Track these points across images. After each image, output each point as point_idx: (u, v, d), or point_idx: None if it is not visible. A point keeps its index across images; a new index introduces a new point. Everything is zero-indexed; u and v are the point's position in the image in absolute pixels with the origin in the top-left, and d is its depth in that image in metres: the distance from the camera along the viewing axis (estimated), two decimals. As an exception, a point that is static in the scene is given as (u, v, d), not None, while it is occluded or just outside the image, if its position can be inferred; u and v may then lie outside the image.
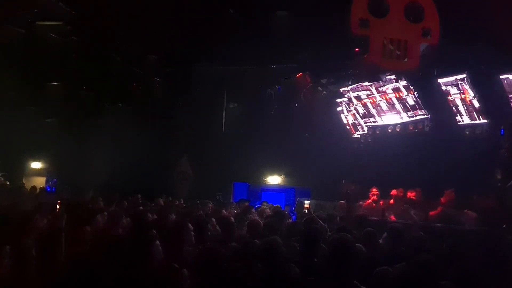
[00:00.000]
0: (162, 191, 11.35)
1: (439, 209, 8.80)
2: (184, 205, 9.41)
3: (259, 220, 5.90)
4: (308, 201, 8.09)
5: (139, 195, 9.64)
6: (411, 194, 9.59)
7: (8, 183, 13.03)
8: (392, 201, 9.91)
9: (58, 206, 5.75)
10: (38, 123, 15.05)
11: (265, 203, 10.63)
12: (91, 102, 13.95)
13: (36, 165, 16.76)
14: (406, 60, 6.96)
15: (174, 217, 6.36)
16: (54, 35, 10.37)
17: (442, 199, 9.26)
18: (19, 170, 16.26)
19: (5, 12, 9.74)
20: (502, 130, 9.29)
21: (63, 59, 11.81)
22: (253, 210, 8.41)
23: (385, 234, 5.67)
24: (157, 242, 4.16)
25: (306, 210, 7.74)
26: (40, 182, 15.32)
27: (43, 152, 16.12)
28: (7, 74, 11.79)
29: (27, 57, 11.51)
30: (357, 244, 3.94)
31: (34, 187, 12.19)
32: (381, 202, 9.15)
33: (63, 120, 15.00)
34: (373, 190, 10.15)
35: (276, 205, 10.93)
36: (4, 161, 14.69)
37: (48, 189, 15.33)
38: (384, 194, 10.23)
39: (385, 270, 3.76)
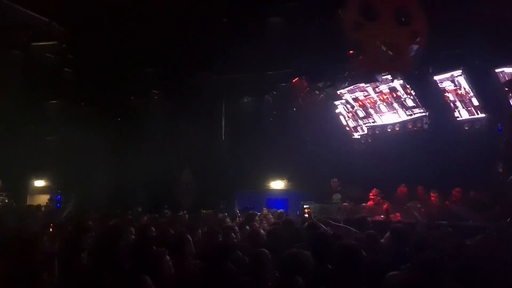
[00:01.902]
0: (166, 203, 11.39)
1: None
2: (186, 216, 9.42)
3: (260, 229, 5.90)
4: (308, 205, 8.01)
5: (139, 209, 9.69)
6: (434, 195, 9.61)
7: (8, 202, 13.08)
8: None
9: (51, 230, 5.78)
10: (39, 141, 15.11)
11: (265, 209, 10.64)
12: (91, 118, 14.02)
13: (39, 183, 16.79)
14: (398, 61, 7.03)
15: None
16: (50, 55, 10.44)
17: (454, 195, 9.30)
18: (23, 189, 16.29)
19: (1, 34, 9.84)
20: (500, 127, 9.32)
21: (61, 77, 11.90)
22: (257, 217, 8.40)
23: (387, 234, 5.68)
24: (167, 257, 4.19)
25: (307, 215, 7.69)
26: (44, 199, 15.32)
27: (45, 169, 16.15)
28: (7, 94, 11.88)
29: (25, 77, 11.59)
30: None
31: (38, 206, 12.20)
32: (385, 206, 9.14)
33: (64, 137, 15.07)
34: (371, 193, 10.20)
35: (280, 210, 10.96)
36: (8, 180, 14.74)
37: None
38: (387, 194, 10.26)
39: (396, 275, 3.76)
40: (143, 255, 4.22)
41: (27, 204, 14.08)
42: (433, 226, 6.98)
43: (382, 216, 8.82)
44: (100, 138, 14.05)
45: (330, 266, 3.95)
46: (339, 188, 11.70)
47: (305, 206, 7.86)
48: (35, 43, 10.35)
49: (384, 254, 4.92)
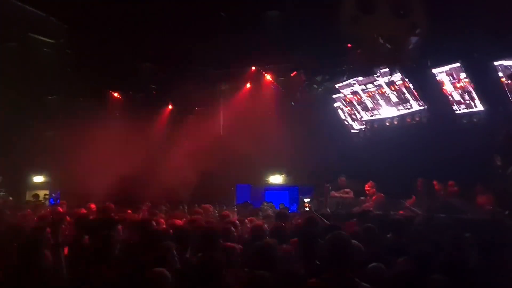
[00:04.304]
0: (166, 198, 11.41)
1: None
2: (186, 211, 9.45)
3: (262, 223, 5.91)
4: (308, 199, 8.05)
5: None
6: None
7: (11, 198, 13.09)
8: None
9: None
10: (38, 137, 15.10)
11: (265, 203, 10.67)
12: (89, 113, 14.01)
13: (38, 179, 16.79)
14: (397, 53, 7.01)
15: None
16: (48, 50, 10.42)
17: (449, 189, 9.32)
18: (22, 185, 16.30)
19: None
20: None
21: (59, 72, 11.88)
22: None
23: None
24: (174, 251, 4.24)
25: (308, 209, 7.73)
26: (43, 195, 15.34)
27: (44, 165, 16.15)
28: (5, 90, 11.87)
29: (24, 73, 11.57)
30: (353, 241, 3.95)
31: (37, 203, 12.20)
32: (381, 198, 9.19)
33: (63, 132, 15.07)
34: (367, 185, 10.23)
35: (280, 203, 11.01)
36: (7, 176, 14.75)
37: (52, 202, 15.41)
38: (386, 187, 10.28)
39: (378, 267, 3.78)
40: (152, 250, 4.26)
41: (26, 199, 14.09)
42: (432, 219, 6.99)
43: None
44: (99, 133, 14.06)
45: (317, 262, 3.95)
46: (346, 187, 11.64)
47: (305, 200, 7.90)
48: (33, 39, 10.31)
49: (384, 246, 4.93)
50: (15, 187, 15.38)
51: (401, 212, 8.38)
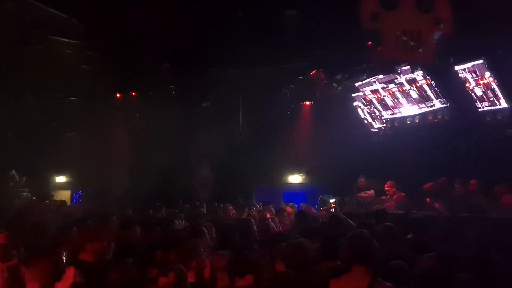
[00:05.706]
0: (185, 198, 11.47)
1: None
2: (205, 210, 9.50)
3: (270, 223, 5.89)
4: (334, 200, 8.00)
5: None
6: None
7: (34, 198, 13.30)
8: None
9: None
10: (60, 138, 15.35)
11: (282, 203, 10.64)
12: (110, 114, 14.18)
13: (60, 179, 17.05)
14: (420, 50, 6.87)
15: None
16: (69, 51, 10.58)
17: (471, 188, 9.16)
18: (45, 185, 16.56)
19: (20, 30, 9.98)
20: None
21: (79, 73, 12.05)
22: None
23: None
24: (202, 249, 4.24)
25: (333, 209, 7.65)
26: (65, 195, 15.59)
27: (66, 165, 16.40)
28: (28, 92, 12.08)
29: (46, 75, 11.77)
30: None
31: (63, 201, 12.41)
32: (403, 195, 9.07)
33: (84, 133, 15.30)
34: (386, 185, 10.11)
35: (302, 203, 10.96)
36: (30, 177, 15.01)
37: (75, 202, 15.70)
38: (407, 186, 10.14)
39: (399, 264, 3.72)
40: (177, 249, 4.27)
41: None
42: (455, 218, 6.87)
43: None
44: (119, 134, 14.23)
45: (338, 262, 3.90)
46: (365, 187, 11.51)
47: (331, 201, 7.85)
48: (56, 41, 10.48)
49: (403, 245, 4.85)
50: (38, 187, 15.64)
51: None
